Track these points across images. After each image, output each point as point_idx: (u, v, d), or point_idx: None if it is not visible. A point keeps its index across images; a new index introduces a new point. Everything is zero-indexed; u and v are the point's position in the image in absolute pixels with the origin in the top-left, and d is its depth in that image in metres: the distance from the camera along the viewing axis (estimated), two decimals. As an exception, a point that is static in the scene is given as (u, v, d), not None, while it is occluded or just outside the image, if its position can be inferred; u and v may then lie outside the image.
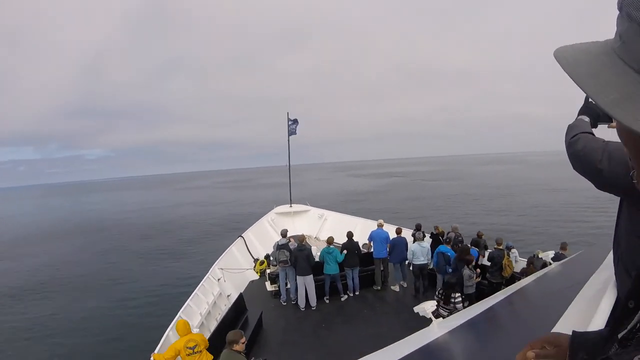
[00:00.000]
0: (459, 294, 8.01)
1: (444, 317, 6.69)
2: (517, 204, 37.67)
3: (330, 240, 10.07)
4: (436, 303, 4.16)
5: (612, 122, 1.69)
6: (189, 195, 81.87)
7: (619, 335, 0.64)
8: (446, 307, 7.96)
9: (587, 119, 1.71)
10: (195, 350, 5.82)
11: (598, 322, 1.20)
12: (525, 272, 9.12)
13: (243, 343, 5.20)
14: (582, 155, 1.45)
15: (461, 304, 7.86)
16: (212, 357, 6.06)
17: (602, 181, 1.40)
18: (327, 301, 9.96)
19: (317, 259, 10.09)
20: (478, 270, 8.88)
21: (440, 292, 8.31)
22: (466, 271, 8.35)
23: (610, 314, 1.32)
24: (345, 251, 10.02)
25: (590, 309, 1.38)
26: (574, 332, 0.91)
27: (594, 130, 1.68)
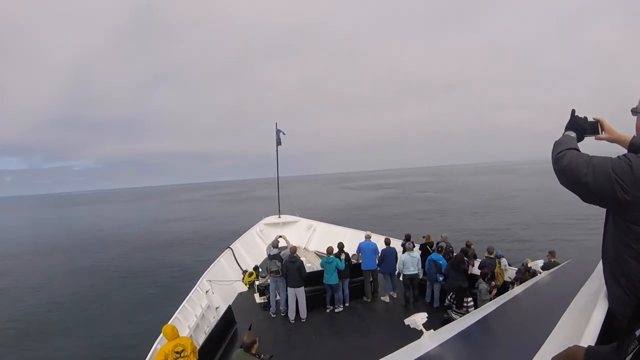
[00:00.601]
0: (471, 299, 8.23)
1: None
2: (507, 214, 38.07)
3: (330, 250, 9.97)
4: (423, 316, 4.15)
5: (599, 134, 1.83)
6: (176, 209, 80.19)
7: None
8: (458, 311, 8.18)
9: (573, 134, 1.80)
10: (183, 354, 5.79)
11: (590, 334, 1.19)
12: (521, 280, 9.21)
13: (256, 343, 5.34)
14: (568, 170, 1.54)
15: (473, 308, 7.99)
16: None
17: (588, 194, 1.49)
18: (333, 311, 9.92)
19: (307, 270, 10.01)
20: (493, 283, 9.01)
21: (452, 296, 8.53)
22: (483, 285, 8.49)
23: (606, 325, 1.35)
24: (343, 256, 10.00)
25: (583, 321, 1.38)
26: (589, 346, 0.95)
27: (580, 143, 1.78)
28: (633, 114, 1.73)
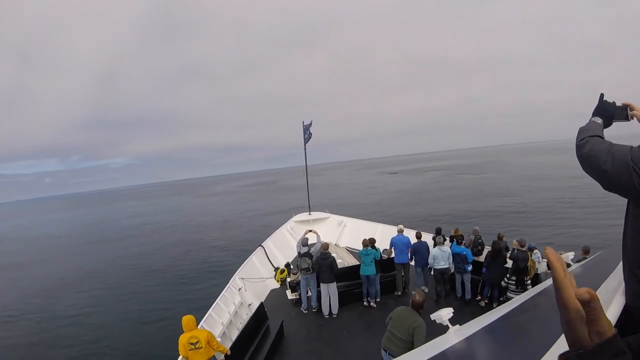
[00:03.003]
0: (528, 277, 8.75)
1: None
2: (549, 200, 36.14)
3: (365, 243, 10.01)
4: (449, 311, 4.19)
5: (628, 119, 1.79)
6: (208, 204, 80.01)
7: None
8: (520, 291, 8.57)
9: (599, 120, 1.77)
10: (197, 346, 6.22)
11: None
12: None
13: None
14: (589, 157, 1.53)
15: (531, 286, 8.52)
16: (214, 354, 6.48)
17: (607, 182, 1.46)
18: (370, 304, 10.06)
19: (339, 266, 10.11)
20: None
21: (511, 278, 8.99)
22: None
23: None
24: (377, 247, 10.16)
25: None
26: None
27: (610, 128, 1.79)
28: None
